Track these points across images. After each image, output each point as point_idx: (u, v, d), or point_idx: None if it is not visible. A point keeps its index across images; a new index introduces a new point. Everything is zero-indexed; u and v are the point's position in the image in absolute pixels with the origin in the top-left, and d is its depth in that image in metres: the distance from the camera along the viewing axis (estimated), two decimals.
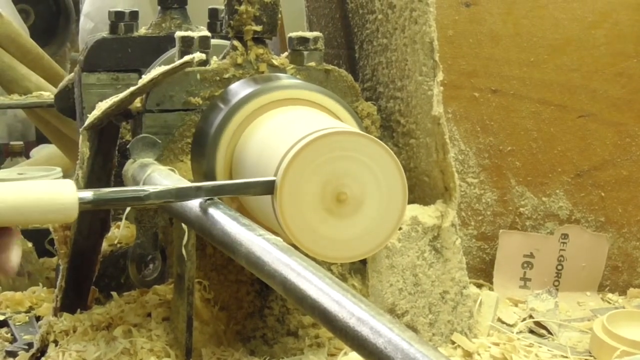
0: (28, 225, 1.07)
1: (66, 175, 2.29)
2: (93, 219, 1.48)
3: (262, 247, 0.91)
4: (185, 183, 1.12)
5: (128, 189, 1.04)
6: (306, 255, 0.94)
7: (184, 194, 1.07)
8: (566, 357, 1.47)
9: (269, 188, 1.10)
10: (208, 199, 1.09)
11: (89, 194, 0.99)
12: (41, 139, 3.30)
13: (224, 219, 1.04)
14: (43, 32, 3.37)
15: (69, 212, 0.97)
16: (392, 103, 1.55)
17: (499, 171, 1.74)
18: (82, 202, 0.97)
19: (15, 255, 0.99)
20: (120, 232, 1.62)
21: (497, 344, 1.46)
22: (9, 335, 1.56)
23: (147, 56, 1.77)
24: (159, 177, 1.22)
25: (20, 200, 0.95)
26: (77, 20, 3.06)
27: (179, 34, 1.49)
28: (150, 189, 1.04)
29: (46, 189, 0.97)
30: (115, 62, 1.79)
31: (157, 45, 1.79)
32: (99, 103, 1.46)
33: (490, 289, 1.71)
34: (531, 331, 1.58)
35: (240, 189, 1.12)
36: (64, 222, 1.07)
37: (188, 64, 1.40)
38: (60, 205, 0.96)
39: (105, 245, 1.58)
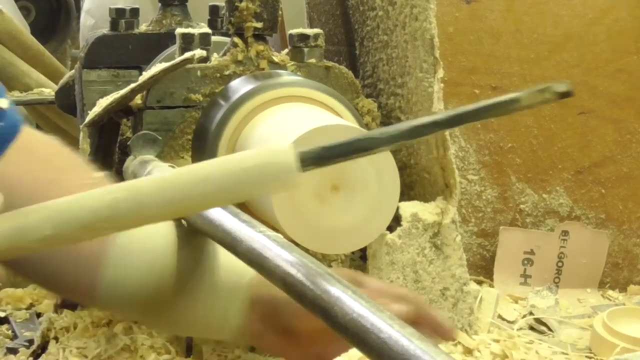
0: (241, 201, 0.88)
1: None
2: None
3: (262, 244, 0.90)
4: (417, 120, 0.87)
5: (352, 140, 0.84)
6: (306, 251, 0.94)
7: (418, 131, 0.85)
8: (566, 353, 1.47)
9: (512, 106, 0.85)
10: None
11: (308, 152, 0.81)
12: None
13: (225, 216, 1.04)
14: (44, 29, 3.37)
15: (289, 178, 0.80)
16: (392, 100, 1.55)
17: (499, 168, 1.74)
18: (304, 164, 0.80)
19: None
20: None
21: (497, 341, 1.46)
22: (9, 332, 1.56)
23: (147, 53, 1.77)
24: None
25: (228, 176, 0.80)
26: (78, 17, 3.06)
27: (179, 30, 1.50)
28: (377, 134, 0.84)
29: (256, 157, 0.81)
30: (115, 58, 1.79)
31: (157, 42, 1.79)
32: (100, 100, 1.47)
33: (491, 285, 1.71)
34: (531, 328, 1.58)
35: (481, 113, 0.87)
36: (283, 190, 0.88)
37: (189, 60, 1.41)
38: (277, 173, 0.80)
39: None
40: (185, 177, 0.80)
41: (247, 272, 0.95)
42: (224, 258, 0.93)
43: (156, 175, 0.84)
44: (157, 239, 0.98)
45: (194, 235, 0.97)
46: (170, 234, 0.98)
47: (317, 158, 0.81)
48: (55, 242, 0.79)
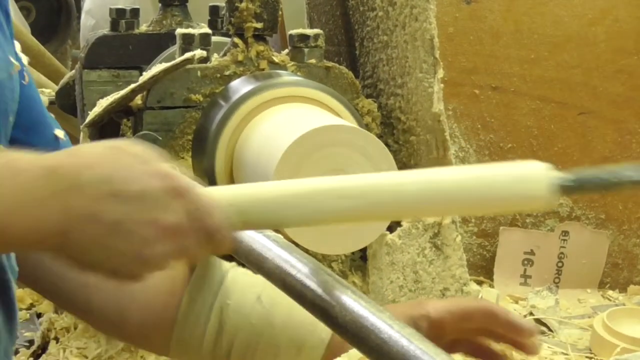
0: (484, 213, 0.83)
1: None
2: None
3: (262, 244, 0.91)
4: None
5: (615, 171, 0.79)
6: (306, 251, 0.94)
7: None
8: (566, 354, 1.48)
9: None
10: None
11: (567, 176, 0.77)
12: None
13: None
14: (44, 29, 3.37)
15: (539, 200, 0.77)
16: (392, 100, 1.55)
17: None
18: (562, 185, 0.77)
19: None
20: None
21: None
22: None
23: (148, 53, 1.77)
24: None
25: (481, 182, 0.77)
26: (78, 17, 3.06)
27: (179, 31, 1.50)
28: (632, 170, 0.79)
29: (510, 172, 0.78)
30: (116, 59, 1.79)
31: (157, 43, 1.79)
32: (100, 100, 1.47)
33: (491, 286, 1.72)
34: None
35: None
36: (528, 210, 0.82)
37: (189, 61, 1.41)
38: (528, 193, 0.77)
39: None
40: (440, 179, 0.78)
41: (321, 330, 0.93)
42: (298, 313, 0.90)
43: (415, 171, 0.80)
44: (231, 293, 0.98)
45: (271, 289, 0.93)
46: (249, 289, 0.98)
47: (574, 184, 0.78)
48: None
